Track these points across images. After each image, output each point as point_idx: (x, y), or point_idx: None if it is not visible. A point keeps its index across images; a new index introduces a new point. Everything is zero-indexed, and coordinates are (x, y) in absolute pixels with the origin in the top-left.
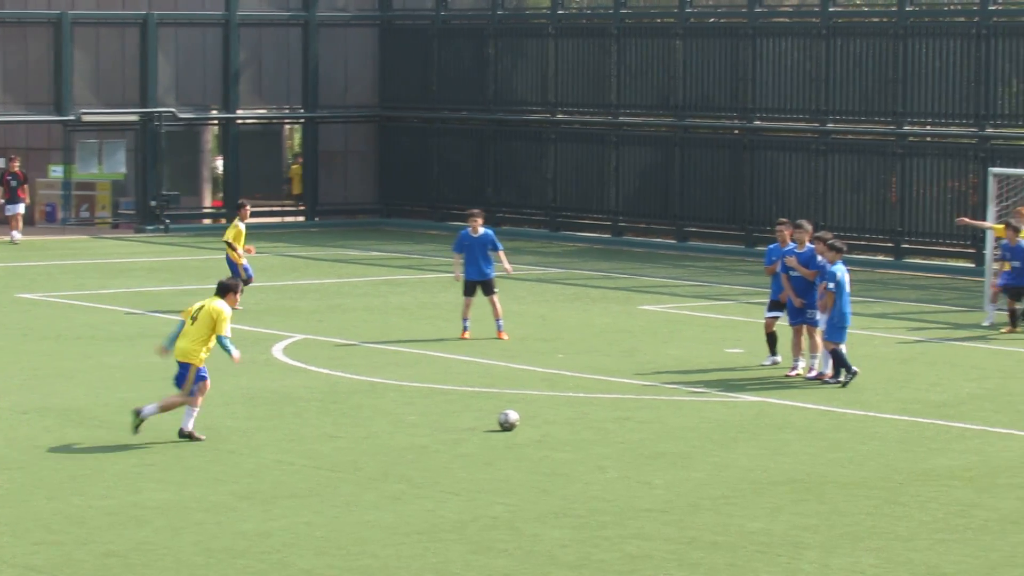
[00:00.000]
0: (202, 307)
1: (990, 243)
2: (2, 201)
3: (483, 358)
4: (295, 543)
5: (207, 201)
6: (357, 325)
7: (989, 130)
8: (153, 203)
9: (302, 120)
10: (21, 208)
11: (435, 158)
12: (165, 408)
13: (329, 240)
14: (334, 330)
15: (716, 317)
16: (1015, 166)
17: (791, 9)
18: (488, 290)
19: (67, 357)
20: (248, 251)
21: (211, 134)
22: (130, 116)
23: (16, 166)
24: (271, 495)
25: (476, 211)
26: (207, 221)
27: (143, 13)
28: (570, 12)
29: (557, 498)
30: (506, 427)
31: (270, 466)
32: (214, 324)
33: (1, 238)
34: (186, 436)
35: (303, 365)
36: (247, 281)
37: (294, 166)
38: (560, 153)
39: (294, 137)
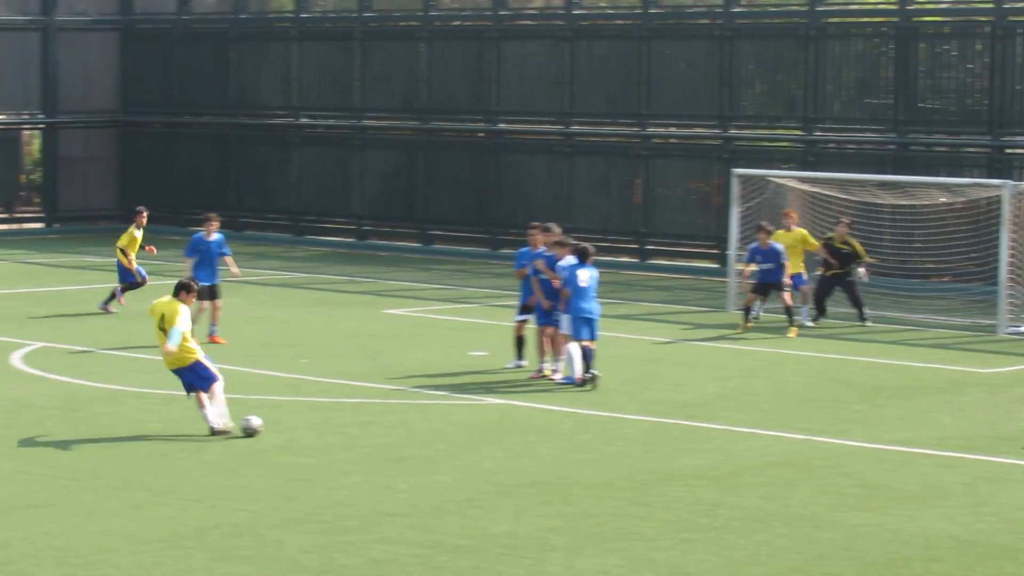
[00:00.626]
0: (163, 315)
1: (734, 244)
2: None
3: (226, 364)
4: (33, 553)
5: None
6: (98, 332)
7: (732, 131)
8: None
9: (41, 126)
10: None
11: (177, 163)
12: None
13: (69, 247)
14: (74, 337)
15: (461, 320)
16: (758, 167)
17: (536, 12)
18: (216, 294)
19: None
20: (149, 250)
21: None
22: None
23: None
24: (8, 504)
25: (212, 215)
26: None
27: None
28: (314, 15)
29: (301, 504)
30: (249, 433)
31: (8, 475)
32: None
33: None
34: (219, 433)
35: (42, 373)
36: (141, 283)
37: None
38: (304, 157)
39: (33, 143)
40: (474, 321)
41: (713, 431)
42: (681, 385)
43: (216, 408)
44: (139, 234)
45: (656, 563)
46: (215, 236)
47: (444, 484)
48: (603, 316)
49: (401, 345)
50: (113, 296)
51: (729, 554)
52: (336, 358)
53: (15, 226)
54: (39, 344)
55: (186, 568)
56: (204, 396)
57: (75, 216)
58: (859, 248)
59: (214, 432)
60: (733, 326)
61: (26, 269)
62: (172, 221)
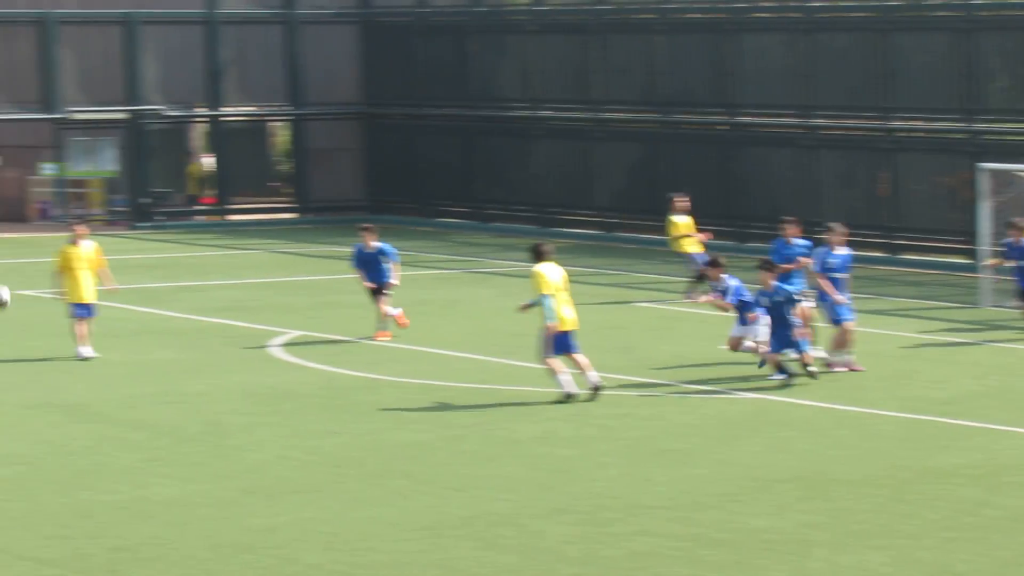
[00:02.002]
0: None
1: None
2: None
3: (480, 354)
4: (301, 538)
5: (195, 199)
6: (352, 321)
7: (979, 125)
8: (145, 200)
9: (289, 117)
10: None
11: (421, 155)
12: None
13: (320, 237)
14: (329, 326)
15: (711, 314)
16: (1006, 161)
17: (773, 4)
18: (381, 292)
19: (69, 353)
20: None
21: (199, 131)
22: (118, 114)
23: None
24: (275, 490)
25: (370, 226)
26: (200, 218)
27: (125, 12)
28: (550, 8)
29: (560, 494)
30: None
31: (273, 462)
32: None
33: None
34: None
35: (301, 361)
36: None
37: (191, 165)
38: (545, 149)
39: (280, 135)
40: (725, 315)
41: (973, 429)
42: (938, 382)
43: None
44: (682, 220)
45: (921, 562)
46: (375, 245)
47: (702, 477)
48: (855, 311)
49: (652, 337)
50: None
51: (995, 554)
52: (588, 350)
53: (267, 216)
54: (297, 332)
55: (451, 557)
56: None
57: (325, 206)
58: None
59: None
60: (987, 322)
61: (279, 259)
62: (418, 212)
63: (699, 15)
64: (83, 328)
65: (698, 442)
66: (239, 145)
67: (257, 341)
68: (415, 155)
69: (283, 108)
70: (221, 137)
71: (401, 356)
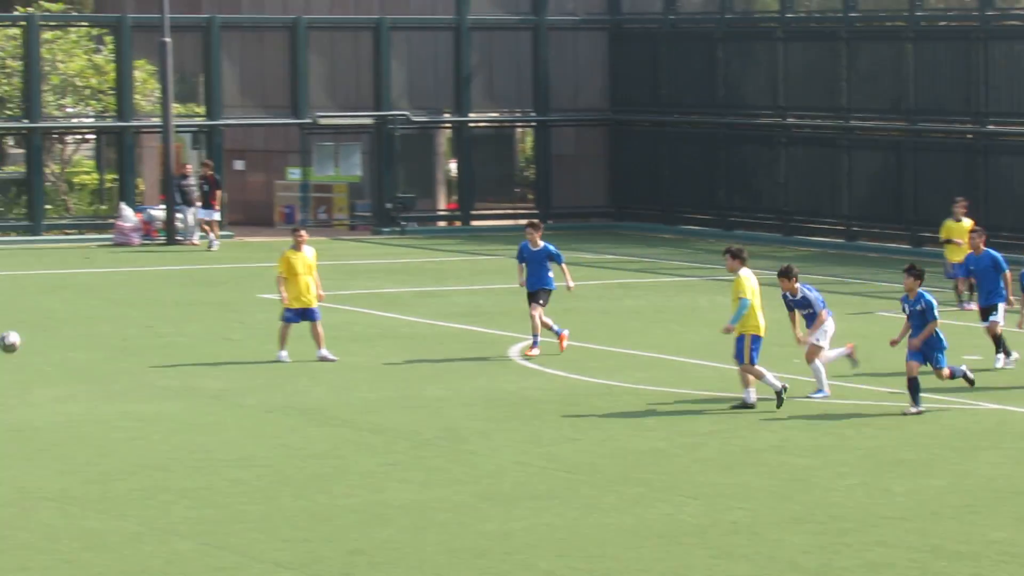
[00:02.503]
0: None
1: None
2: (199, 206)
3: (719, 362)
4: (536, 544)
5: (442, 204)
6: (592, 328)
7: None
8: (388, 205)
9: (534, 123)
10: (215, 215)
11: (666, 161)
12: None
13: (562, 243)
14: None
15: (953, 324)
16: None
17: None
18: (536, 299)
19: (310, 357)
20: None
21: (444, 137)
22: (365, 119)
23: (208, 171)
24: (512, 496)
25: (535, 222)
26: (442, 223)
27: (376, 18)
28: (799, 15)
29: (797, 504)
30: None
31: (510, 467)
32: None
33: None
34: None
35: (539, 367)
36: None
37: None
38: (791, 157)
39: (526, 140)
40: (967, 324)
41: None
42: None
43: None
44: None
45: None
46: (541, 244)
47: (940, 488)
48: None
49: (896, 347)
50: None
51: None
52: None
53: (511, 222)
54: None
55: (686, 564)
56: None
57: (568, 212)
58: None
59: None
60: None
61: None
62: (660, 219)
63: (949, 23)
64: (287, 331)
65: (937, 452)
66: (483, 151)
67: (497, 347)
68: (659, 162)
69: (528, 114)
70: (466, 143)
71: (640, 363)
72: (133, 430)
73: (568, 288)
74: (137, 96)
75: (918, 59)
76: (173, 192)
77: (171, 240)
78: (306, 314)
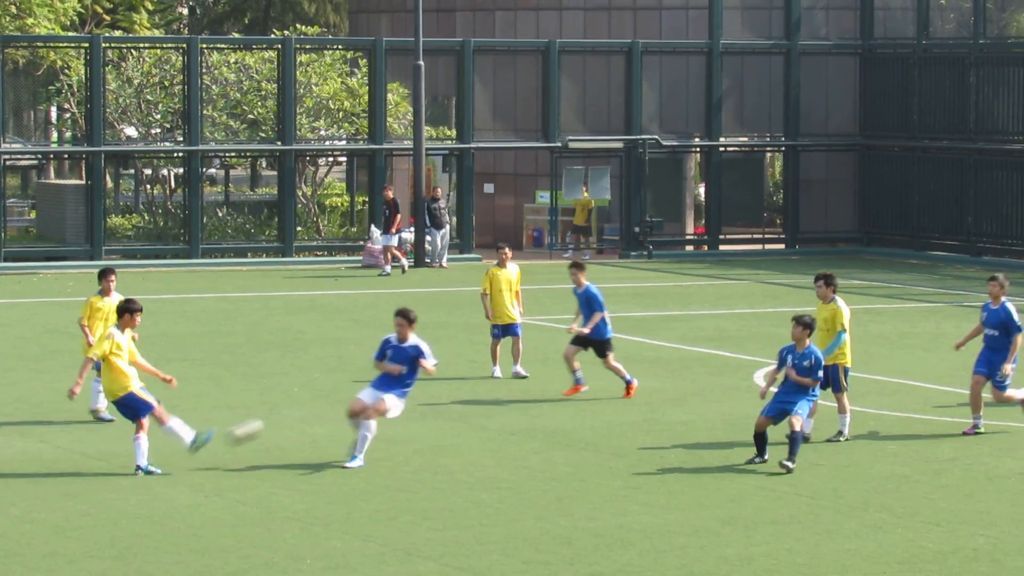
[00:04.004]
0: None
1: None
2: (380, 232)
3: (964, 388)
4: (777, 569)
5: (689, 228)
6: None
7: None
8: (636, 229)
9: (783, 148)
10: (392, 240)
11: (915, 187)
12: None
13: (809, 268)
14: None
15: None
16: None
17: None
18: (596, 349)
19: (553, 380)
20: None
21: (693, 161)
22: (614, 143)
23: (390, 195)
24: (753, 520)
25: (579, 261)
26: (689, 248)
27: (629, 41)
28: None
29: None
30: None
31: (751, 491)
32: None
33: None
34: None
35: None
36: None
37: (583, 197)
38: None
39: (775, 165)
40: None
41: None
42: None
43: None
44: None
45: None
46: (584, 285)
47: None
48: None
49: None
50: None
51: None
52: None
53: (758, 247)
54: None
55: None
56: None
57: (815, 237)
58: None
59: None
60: None
61: (768, 289)
62: (908, 245)
63: None
64: (497, 347)
65: None
66: (732, 175)
67: (742, 371)
68: (908, 187)
69: (778, 138)
70: (715, 167)
71: (884, 388)
72: (377, 451)
73: (569, 331)
74: (389, 119)
75: None
76: (423, 215)
77: (419, 263)
78: (508, 329)
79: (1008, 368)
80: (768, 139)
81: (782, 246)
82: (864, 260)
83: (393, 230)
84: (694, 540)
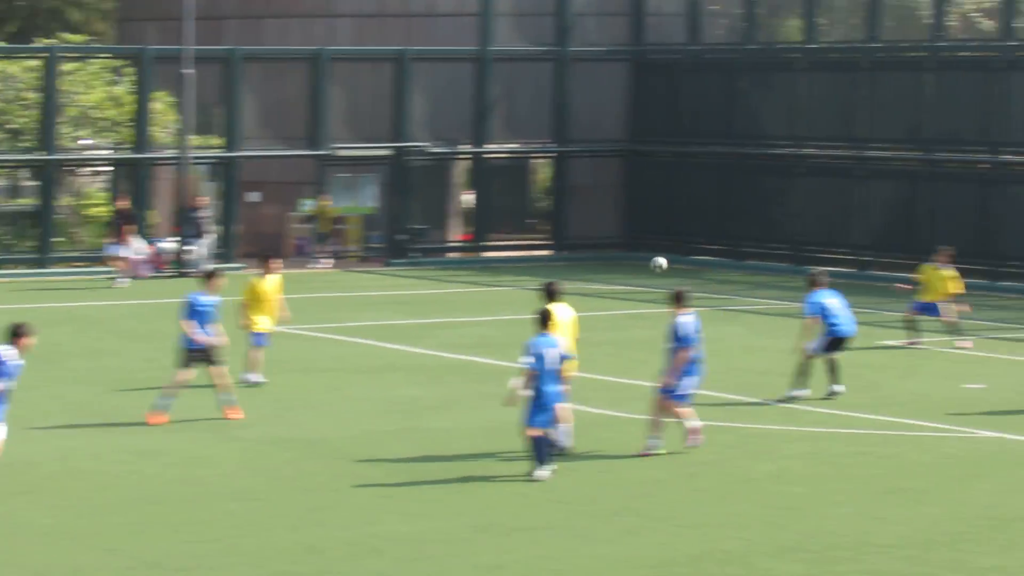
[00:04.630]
0: None
1: None
2: (112, 241)
3: (722, 391)
4: (529, 575)
5: (454, 235)
6: (599, 359)
7: None
8: (401, 237)
9: (552, 154)
10: (121, 250)
11: (681, 192)
12: None
13: (575, 273)
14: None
15: (957, 352)
16: None
17: None
18: None
19: (314, 389)
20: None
21: (461, 168)
22: (382, 151)
23: (122, 205)
24: (507, 527)
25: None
26: (455, 255)
27: (399, 49)
28: (821, 46)
29: (791, 533)
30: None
31: (507, 499)
32: None
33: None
34: None
35: None
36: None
37: (317, 204)
38: (806, 187)
39: (542, 171)
40: (972, 353)
41: None
42: None
43: None
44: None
45: None
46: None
47: (935, 516)
48: None
49: (896, 376)
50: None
51: None
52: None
53: (524, 253)
54: None
55: None
56: None
57: (581, 243)
58: None
59: None
60: None
61: (532, 296)
62: (674, 250)
63: (969, 53)
64: (258, 355)
65: (934, 481)
66: (499, 182)
67: (504, 378)
68: (675, 193)
69: (547, 145)
70: (482, 174)
71: (642, 394)
72: (130, 463)
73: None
74: (155, 128)
75: (937, 90)
76: (186, 224)
77: (182, 272)
78: (264, 338)
79: (672, 379)
80: (537, 146)
81: (549, 252)
82: (630, 265)
83: (124, 240)
84: (448, 548)
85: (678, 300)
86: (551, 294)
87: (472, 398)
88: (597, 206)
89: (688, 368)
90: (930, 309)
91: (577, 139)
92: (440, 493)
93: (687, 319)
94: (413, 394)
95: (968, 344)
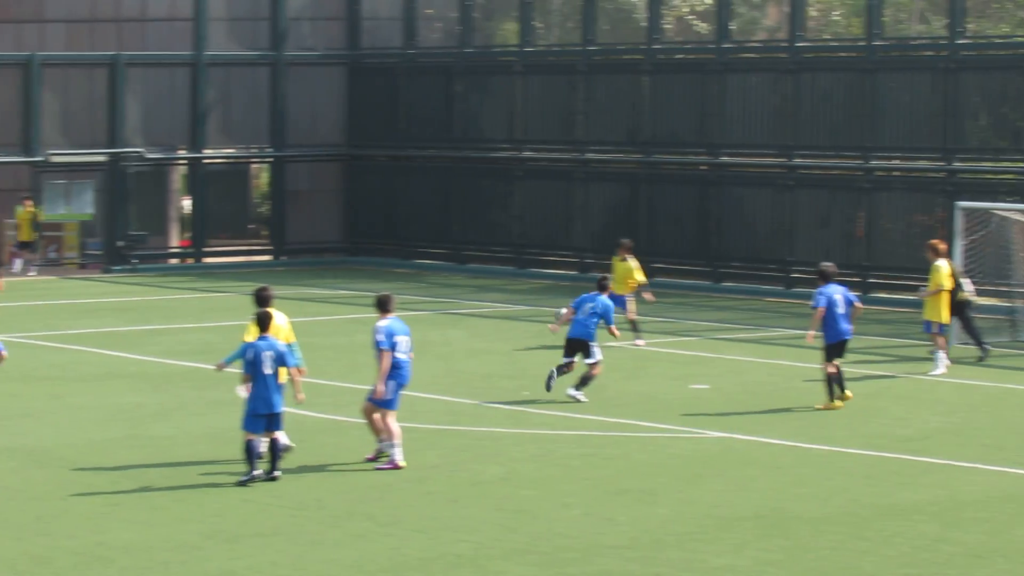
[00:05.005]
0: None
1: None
2: None
3: (449, 396)
4: None
5: (174, 241)
6: (323, 363)
7: (956, 164)
8: (120, 243)
9: (270, 159)
10: None
11: (402, 196)
12: None
13: (296, 279)
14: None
15: (682, 353)
16: (982, 200)
17: (759, 44)
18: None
19: (34, 397)
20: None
21: (179, 174)
22: (98, 157)
23: None
24: (236, 534)
25: None
26: (175, 261)
27: (112, 54)
28: (538, 49)
29: (522, 535)
30: None
31: (235, 505)
32: None
33: None
34: None
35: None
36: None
37: (22, 209)
38: (527, 190)
39: (261, 176)
40: (695, 354)
41: (935, 465)
42: (902, 419)
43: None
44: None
45: None
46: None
47: (664, 517)
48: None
49: (622, 377)
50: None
51: None
52: (560, 390)
53: (244, 258)
54: None
55: None
56: None
57: (302, 248)
58: None
59: None
60: (953, 359)
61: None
62: (395, 254)
63: (685, 55)
64: None
65: (662, 481)
66: (218, 187)
67: (226, 384)
68: (395, 197)
69: (265, 150)
70: (200, 179)
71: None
72: None
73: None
74: None
75: (654, 92)
76: None
77: None
78: None
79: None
80: (255, 150)
81: (269, 257)
82: (351, 269)
83: None
84: (176, 555)
85: (380, 305)
86: (262, 299)
87: (196, 404)
88: (317, 211)
89: (392, 374)
90: (618, 301)
91: (295, 144)
92: (167, 500)
93: (385, 323)
94: (136, 401)
95: (641, 343)
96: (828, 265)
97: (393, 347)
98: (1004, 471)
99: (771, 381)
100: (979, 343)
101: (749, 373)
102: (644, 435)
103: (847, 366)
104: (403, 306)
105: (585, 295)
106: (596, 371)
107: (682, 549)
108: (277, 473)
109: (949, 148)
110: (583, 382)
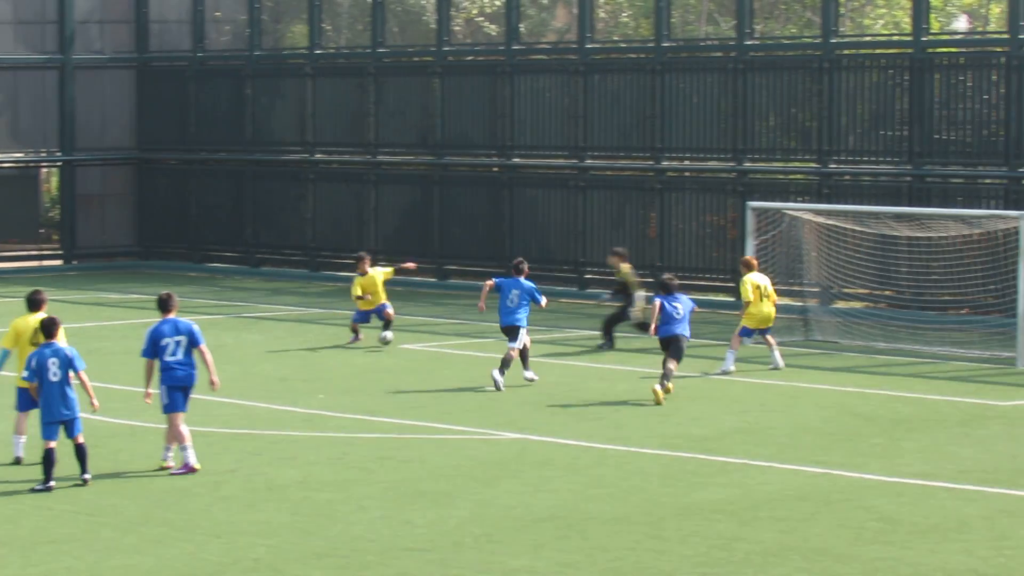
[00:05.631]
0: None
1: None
2: None
3: (244, 399)
4: None
5: None
6: (116, 368)
7: (747, 164)
8: None
9: (59, 163)
10: None
11: (194, 200)
12: None
13: (87, 283)
14: (93, 374)
15: (478, 355)
16: (773, 200)
17: (549, 46)
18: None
19: None
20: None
21: None
22: None
23: None
24: (30, 540)
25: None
26: None
27: None
28: (328, 52)
29: (320, 539)
30: None
31: (29, 511)
32: None
33: None
34: None
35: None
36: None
37: None
38: (319, 193)
39: (51, 181)
40: (491, 356)
41: (730, 465)
42: (698, 419)
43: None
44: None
45: None
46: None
47: (462, 518)
48: (619, 350)
49: (417, 380)
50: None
51: None
52: (353, 393)
53: (34, 263)
54: None
55: None
56: None
57: (93, 253)
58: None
59: None
60: (746, 359)
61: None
62: (189, 257)
63: (475, 57)
64: None
65: (459, 483)
66: (7, 192)
67: (6, 391)
68: (187, 200)
69: (54, 154)
70: None
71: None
72: None
73: None
74: None
75: (445, 94)
76: None
77: None
78: None
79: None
80: (44, 154)
81: (60, 262)
82: (143, 274)
83: None
84: None
85: (161, 306)
86: (34, 303)
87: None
88: (108, 215)
89: (162, 376)
90: (379, 311)
91: (85, 147)
92: None
93: (153, 327)
94: None
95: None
96: (668, 276)
97: (159, 352)
98: (799, 469)
99: (566, 382)
100: (607, 335)
101: (544, 374)
102: (440, 437)
103: (652, 367)
104: (197, 310)
105: (504, 279)
106: (513, 353)
107: (480, 551)
108: (87, 476)
109: (739, 149)
110: (504, 364)
